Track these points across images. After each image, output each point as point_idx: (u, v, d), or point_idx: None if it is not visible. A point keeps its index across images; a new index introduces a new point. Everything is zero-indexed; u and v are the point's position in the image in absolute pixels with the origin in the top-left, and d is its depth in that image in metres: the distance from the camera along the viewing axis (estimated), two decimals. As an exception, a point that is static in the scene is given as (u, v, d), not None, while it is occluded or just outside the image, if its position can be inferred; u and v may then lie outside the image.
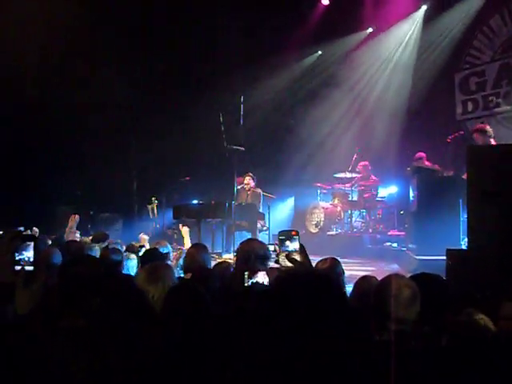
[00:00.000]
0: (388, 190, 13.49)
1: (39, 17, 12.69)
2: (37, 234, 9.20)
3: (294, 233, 3.09)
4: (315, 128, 14.78)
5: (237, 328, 2.35)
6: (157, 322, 2.40)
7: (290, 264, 2.98)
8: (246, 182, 12.53)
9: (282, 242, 3.02)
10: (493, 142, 9.06)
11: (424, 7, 13.97)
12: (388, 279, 3.17)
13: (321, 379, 1.27)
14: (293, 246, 3.03)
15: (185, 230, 11.11)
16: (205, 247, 5.59)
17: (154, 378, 1.51)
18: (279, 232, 3.11)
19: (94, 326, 1.45)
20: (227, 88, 13.74)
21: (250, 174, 12.62)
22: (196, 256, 5.30)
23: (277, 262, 3.04)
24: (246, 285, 3.83)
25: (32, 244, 3.58)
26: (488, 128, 9.33)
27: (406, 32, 14.27)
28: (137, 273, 5.30)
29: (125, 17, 13.92)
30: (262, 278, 3.87)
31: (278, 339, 1.33)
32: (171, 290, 3.02)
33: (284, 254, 2.99)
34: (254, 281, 3.86)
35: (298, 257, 2.99)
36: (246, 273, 3.88)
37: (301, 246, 3.03)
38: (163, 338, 2.06)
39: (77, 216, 10.42)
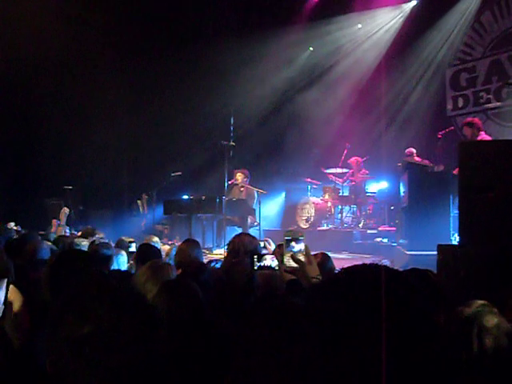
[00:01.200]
0: (378, 186, 13.51)
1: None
2: (12, 228, 9.09)
3: (299, 234, 3.07)
4: (306, 123, 14.78)
5: (236, 326, 2.34)
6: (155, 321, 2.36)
7: (295, 264, 2.96)
8: (237, 177, 12.53)
9: (287, 243, 3.00)
10: (483, 135, 9.10)
11: (414, 2, 14.01)
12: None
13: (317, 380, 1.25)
14: (298, 246, 3.01)
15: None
16: (196, 242, 5.57)
17: (154, 380, 1.47)
18: (285, 231, 3.10)
19: (100, 332, 1.39)
20: (220, 83, 13.78)
21: (244, 171, 12.61)
22: (187, 251, 5.27)
23: (282, 261, 3.02)
24: (255, 268, 3.84)
25: None
26: (477, 121, 9.38)
27: (391, 18, 14.31)
28: (128, 268, 5.29)
29: (124, 23, 13.91)
30: (270, 261, 3.88)
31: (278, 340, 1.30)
32: (163, 287, 2.99)
33: (289, 254, 2.98)
34: (262, 264, 3.87)
35: (302, 257, 2.97)
36: (255, 256, 3.90)
37: (306, 247, 3.02)
38: (162, 338, 2.01)
39: (66, 209, 10.36)
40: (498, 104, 12.35)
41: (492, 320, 2.31)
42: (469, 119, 9.66)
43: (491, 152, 4.69)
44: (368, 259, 10.35)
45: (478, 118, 9.80)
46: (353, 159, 13.08)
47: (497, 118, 12.33)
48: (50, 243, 5.55)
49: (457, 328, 2.33)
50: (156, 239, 6.76)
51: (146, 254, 4.96)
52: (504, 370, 2.20)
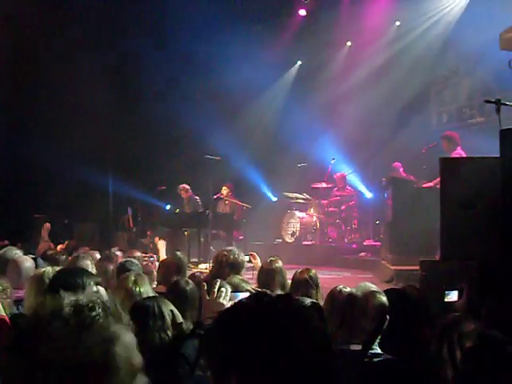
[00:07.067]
0: (363, 200, 13.58)
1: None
2: None
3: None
4: (293, 138, 14.83)
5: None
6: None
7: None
8: (222, 192, 12.56)
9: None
10: (459, 150, 9.14)
11: (397, 23, 14.08)
12: (358, 290, 3.21)
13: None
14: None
15: (161, 243, 11.12)
16: (181, 259, 5.54)
17: None
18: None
19: None
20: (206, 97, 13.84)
21: (228, 185, 12.64)
22: (171, 267, 5.25)
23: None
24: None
25: None
26: (454, 135, 9.43)
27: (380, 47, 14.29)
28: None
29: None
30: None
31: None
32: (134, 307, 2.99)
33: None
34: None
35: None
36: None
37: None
38: None
39: (47, 224, 10.33)
40: (482, 119, 12.44)
41: (470, 325, 2.36)
42: (447, 133, 9.71)
43: (472, 168, 4.75)
44: (353, 274, 10.38)
45: (457, 133, 9.84)
46: (338, 174, 13.13)
47: (480, 133, 12.41)
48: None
49: (437, 338, 2.38)
50: (137, 254, 6.68)
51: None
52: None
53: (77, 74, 13.43)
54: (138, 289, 3.59)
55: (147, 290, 3.65)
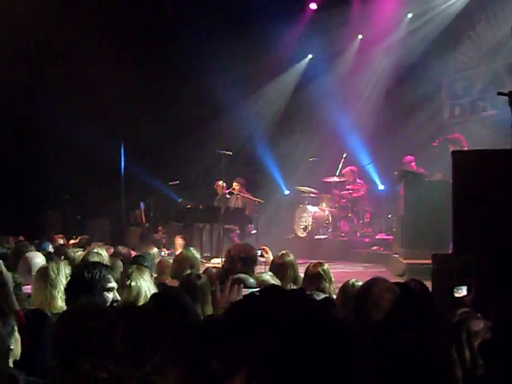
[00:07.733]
0: (376, 194, 13.56)
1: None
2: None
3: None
4: (304, 132, 14.82)
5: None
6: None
7: None
8: (234, 187, 12.59)
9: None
10: None
11: (410, 15, 13.97)
12: (370, 283, 3.19)
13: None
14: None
15: (179, 243, 11.21)
16: (194, 254, 5.55)
17: None
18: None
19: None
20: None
21: (239, 180, 12.66)
22: (184, 262, 5.25)
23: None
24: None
25: None
26: (459, 137, 9.41)
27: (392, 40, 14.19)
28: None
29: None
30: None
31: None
32: (152, 298, 3.00)
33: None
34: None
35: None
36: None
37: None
38: None
39: (60, 236, 10.52)
40: (495, 112, 12.36)
41: (479, 324, 2.33)
42: (451, 136, 9.70)
43: (485, 161, 4.71)
44: (365, 268, 10.38)
45: (462, 136, 9.82)
46: (347, 169, 13.08)
47: (493, 126, 12.34)
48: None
49: (445, 336, 2.35)
50: (153, 248, 6.75)
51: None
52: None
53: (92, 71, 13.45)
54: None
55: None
